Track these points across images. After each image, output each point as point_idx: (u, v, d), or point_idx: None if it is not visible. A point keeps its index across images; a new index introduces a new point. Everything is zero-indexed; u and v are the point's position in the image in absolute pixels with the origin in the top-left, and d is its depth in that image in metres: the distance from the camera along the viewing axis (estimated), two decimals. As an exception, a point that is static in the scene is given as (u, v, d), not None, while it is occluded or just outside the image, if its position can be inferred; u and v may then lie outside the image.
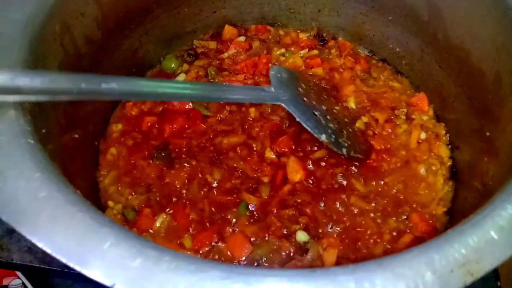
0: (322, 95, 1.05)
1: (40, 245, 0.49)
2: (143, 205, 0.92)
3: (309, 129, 0.93)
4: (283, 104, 0.92)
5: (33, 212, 0.51)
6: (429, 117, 1.09)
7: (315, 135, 0.93)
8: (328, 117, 0.97)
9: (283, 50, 1.20)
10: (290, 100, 0.93)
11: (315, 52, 1.21)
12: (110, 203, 0.92)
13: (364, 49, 1.22)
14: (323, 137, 0.93)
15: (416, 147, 1.03)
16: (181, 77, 1.13)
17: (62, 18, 0.80)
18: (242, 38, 1.23)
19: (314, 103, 0.98)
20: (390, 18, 1.10)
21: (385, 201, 0.94)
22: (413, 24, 1.05)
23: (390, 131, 1.05)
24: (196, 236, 0.87)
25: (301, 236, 0.86)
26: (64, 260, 0.48)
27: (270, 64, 1.15)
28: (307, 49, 1.21)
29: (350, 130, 1.01)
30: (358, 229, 0.89)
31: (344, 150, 0.95)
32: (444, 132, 1.05)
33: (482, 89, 0.88)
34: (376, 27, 1.15)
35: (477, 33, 0.87)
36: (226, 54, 1.19)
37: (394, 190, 0.95)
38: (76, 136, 0.87)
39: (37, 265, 0.94)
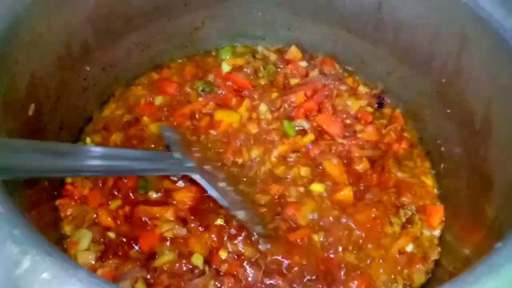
0: (214, 161, 0.93)
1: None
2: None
3: (225, 205, 0.82)
4: (194, 175, 0.81)
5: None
6: (431, 236, 0.91)
7: (231, 213, 0.83)
8: (231, 188, 0.87)
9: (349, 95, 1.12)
10: (198, 169, 0.82)
11: (370, 109, 1.11)
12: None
13: (415, 133, 1.08)
14: (240, 215, 0.81)
15: (395, 254, 0.88)
16: (225, 66, 1.14)
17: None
18: (303, 64, 1.18)
19: (214, 171, 0.88)
20: (449, 111, 0.94)
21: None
22: (465, 128, 0.89)
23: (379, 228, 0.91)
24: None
25: None
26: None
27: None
28: (366, 102, 1.12)
29: (250, 202, 0.89)
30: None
31: (257, 228, 0.83)
32: (436, 258, 0.88)
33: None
34: (434, 114, 1.00)
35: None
36: (280, 70, 1.16)
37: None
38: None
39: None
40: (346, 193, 0.93)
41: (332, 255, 0.85)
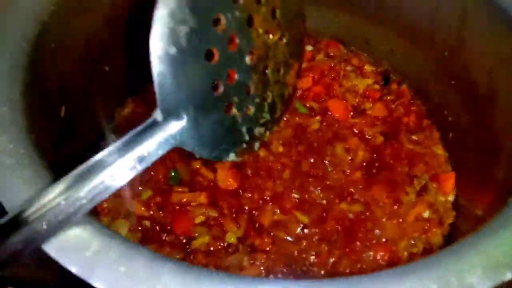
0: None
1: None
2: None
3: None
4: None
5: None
6: (445, 201, 0.96)
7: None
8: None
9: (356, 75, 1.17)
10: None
11: (377, 87, 1.16)
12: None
13: (423, 106, 1.12)
14: (231, 157, 0.65)
15: (412, 221, 0.93)
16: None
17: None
18: (309, 48, 1.22)
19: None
20: (453, 82, 0.99)
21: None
22: (469, 97, 0.94)
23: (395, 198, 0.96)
24: None
25: None
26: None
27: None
28: (372, 80, 1.16)
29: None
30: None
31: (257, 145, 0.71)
32: (451, 221, 0.93)
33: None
34: (439, 86, 1.05)
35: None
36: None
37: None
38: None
39: (29, 280, 0.81)
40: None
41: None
